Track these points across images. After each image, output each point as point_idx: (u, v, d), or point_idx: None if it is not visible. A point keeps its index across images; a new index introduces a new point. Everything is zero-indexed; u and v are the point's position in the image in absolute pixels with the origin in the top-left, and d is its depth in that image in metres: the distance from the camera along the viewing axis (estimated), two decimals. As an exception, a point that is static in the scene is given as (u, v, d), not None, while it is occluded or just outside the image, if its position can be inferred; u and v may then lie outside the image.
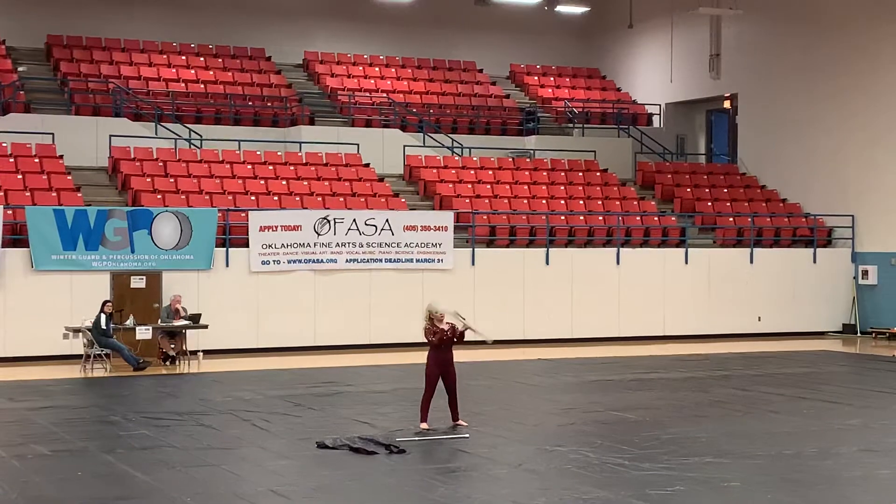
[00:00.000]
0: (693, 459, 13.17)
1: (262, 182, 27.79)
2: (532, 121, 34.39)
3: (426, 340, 15.23)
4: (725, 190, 32.72)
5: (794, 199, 32.37)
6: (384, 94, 33.87)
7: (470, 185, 29.82)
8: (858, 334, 29.89)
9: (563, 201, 30.03)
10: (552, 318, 27.68)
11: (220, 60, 33.77)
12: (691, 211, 31.27)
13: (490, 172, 30.81)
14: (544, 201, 29.80)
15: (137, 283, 24.05)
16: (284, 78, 33.99)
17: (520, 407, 17.31)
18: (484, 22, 37.79)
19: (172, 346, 23.06)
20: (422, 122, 32.70)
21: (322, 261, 25.82)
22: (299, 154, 29.67)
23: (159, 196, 26.04)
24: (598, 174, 32.13)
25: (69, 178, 26.42)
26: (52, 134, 27.68)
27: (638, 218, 29.96)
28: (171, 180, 26.99)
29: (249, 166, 28.43)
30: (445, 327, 15.17)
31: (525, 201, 29.63)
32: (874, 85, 30.42)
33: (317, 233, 25.73)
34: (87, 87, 30.62)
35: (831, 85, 31.46)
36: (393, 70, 35.70)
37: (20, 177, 25.71)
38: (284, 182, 27.99)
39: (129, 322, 22.75)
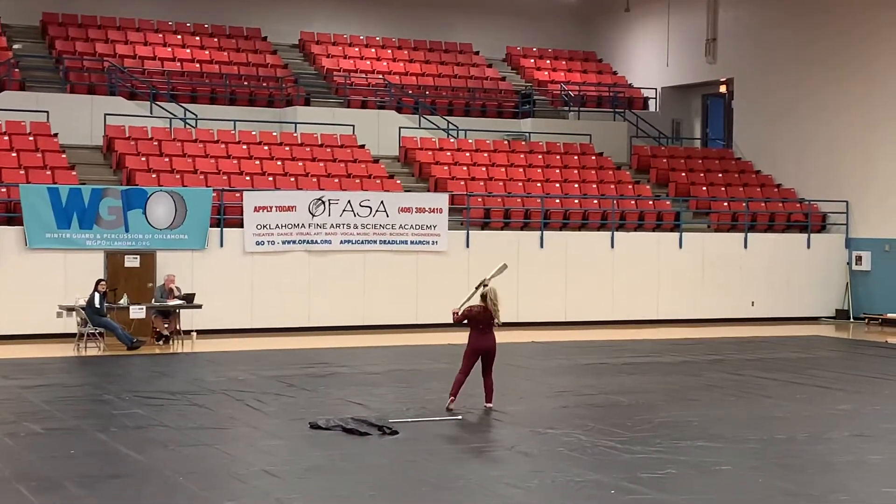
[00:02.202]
0: (685, 443, 13.20)
1: (257, 162, 27.76)
2: (528, 104, 34.36)
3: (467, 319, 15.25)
4: (720, 175, 32.73)
5: (789, 185, 32.40)
6: (380, 76, 33.81)
7: (465, 168, 29.80)
8: (851, 320, 29.95)
9: (558, 184, 30.03)
10: (546, 300, 27.70)
11: (215, 40, 33.68)
12: (686, 195, 31.29)
13: (485, 155, 30.79)
14: (539, 184, 29.79)
15: (131, 262, 24.04)
16: (280, 58, 33.91)
17: (512, 389, 17.32)
18: (481, 4, 37.72)
19: (166, 325, 23.06)
20: (417, 104, 32.66)
21: (316, 242, 25.81)
22: (294, 134, 29.63)
23: (154, 175, 26.00)
24: (593, 158, 32.12)
25: (63, 156, 26.37)
26: (47, 112, 27.62)
27: (633, 202, 29.98)
28: (166, 159, 26.95)
29: (244, 146, 28.38)
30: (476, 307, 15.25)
31: (520, 184, 29.62)
32: (871, 72, 30.40)
33: (311, 213, 25.71)
34: (83, 65, 30.54)
35: (827, 71, 31.45)
36: (389, 51, 35.64)
37: (14, 155, 25.67)
38: (279, 162, 27.96)
39: (123, 301, 22.74)
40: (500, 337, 15.65)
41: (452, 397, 15.14)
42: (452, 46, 36.91)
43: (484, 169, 30.04)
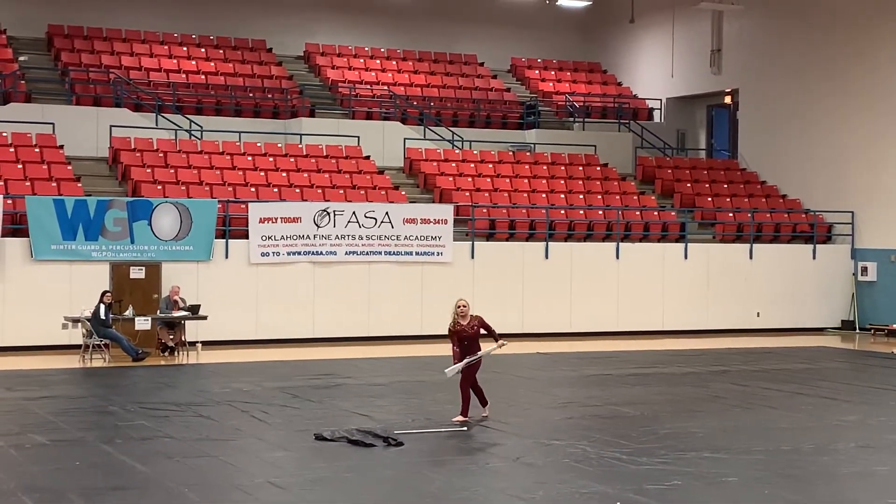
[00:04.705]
0: (690, 454, 13.18)
1: (262, 174, 27.79)
2: (532, 115, 34.38)
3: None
4: (725, 185, 32.72)
5: (794, 195, 32.38)
6: (385, 87, 33.85)
7: (470, 179, 29.82)
8: (857, 331, 29.90)
9: (562, 195, 30.03)
10: (551, 311, 27.68)
11: (221, 51, 33.76)
12: (691, 206, 31.28)
13: (490, 166, 30.81)
14: (544, 195, 29.80)
15: (137, 273, 24.07)
16: (285, 70, 33.97)
17: (517, 401, 17.32)
18: (485, 15, 37.78)
19: (171, 336, 23.07)
20: (422, 115, 32.69)
21: (321, 253, 25.83)
22: (300, 146, 29.66)
23: (159, 187, 26.04)
24: (598, 168, 32.13)
25: (69, 168, 26.41)
26: (53, 124, 27.67)
27: (637, 213, 29.97)
28: (172, 171, 26.99)
29: (250, 158, 28.42)
30: (465, 322, 15.19)
31: (525, 195, 29.63)
32: (875, 81, 30.41)
33: (316, 225, 25.74)
34: (88, 77, 30.61)
35: (832, 81, 31.45)
36: (394, 63, 35.69)
37: (20, 166, 25.71)
38: (284, 174, 27.99)
39: (129, 312, 22.76)
40: (505, 347, 15.67)
41: (467, 417, 15.18)
42: (457, 58, 36.96)
43: (489, 180, 30.05)
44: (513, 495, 11.19)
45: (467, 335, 15.14)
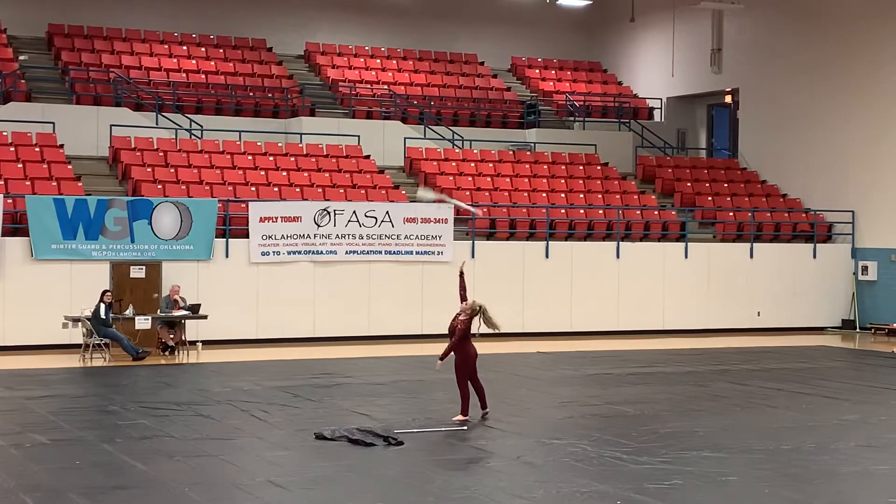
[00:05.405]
0: (691, 453, 13.18)
1: (263, 173, 27.79)
2: (533, 114, 34.38)
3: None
4: (726, 185, 32.72)
5: (795, 195, 32.37)
6: (385, 86, 33.85)
7: (470, 178, 29.82)
8: (857, 330, 29.90)
9: (563, 195, 30.03)
10: (551, 311, 27.68)
11: (221, 51, 33.75)
12: (691, 205, 31.27)
13: (490, 165, 30.81)
14: (544, 194, 29.79)
15: (137, 272, 24.07)
16: (286, 69, 33.97)
17: (518, 400, 17.32)
18: (486, 14, 37.78)
19: (171, 336, 23.07)
20: (423, 115, 32.68)
21: (322, 252, 25.83)
22: (300, 145, 29.66)
23: (160, 186, 26.04)
24: (598, 168, 32.12)
25: (69, 167, 26.41)
26: (53, 123, 27.67)
27: (638, 212, 29.97)
28: (172, 170, 26.99)
29: (250, 157, 28.42)
30: (461, 317, 15.24)
31: (525, 194, 29.63)
32: (876, 81, 30.40)
33: (317, 224, 25.74)
34: (88, 76, 30.60)
35: (833, 80, 31.45)
36: (394, 62, 35.69)
37: (20, 166, 25.71)
38: (285, 173, 27.99)
39: (129, 312, 22.75)
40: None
41: (467, 416, 15.17)
42: (457, 57, 36.95)
43: (489, 179, 30.05)
44: (513, 494, 11.19)
45: (453, 327, 15.20)
